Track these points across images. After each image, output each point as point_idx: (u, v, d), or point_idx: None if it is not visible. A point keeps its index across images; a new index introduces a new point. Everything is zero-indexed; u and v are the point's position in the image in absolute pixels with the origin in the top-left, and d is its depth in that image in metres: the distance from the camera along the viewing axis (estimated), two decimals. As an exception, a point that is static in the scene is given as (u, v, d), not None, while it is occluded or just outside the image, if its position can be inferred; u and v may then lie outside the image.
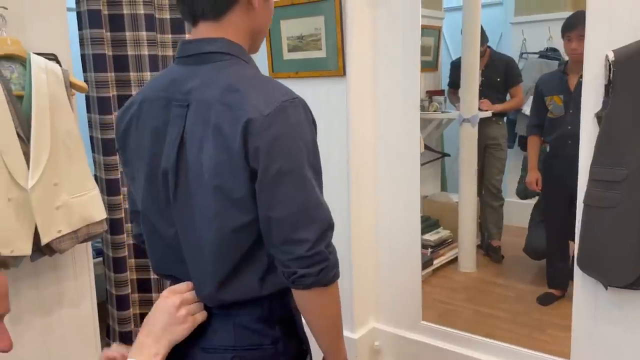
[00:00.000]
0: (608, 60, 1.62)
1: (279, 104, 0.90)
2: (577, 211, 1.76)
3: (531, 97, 3.76)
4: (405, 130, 2.19)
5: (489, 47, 3.63)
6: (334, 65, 2.16)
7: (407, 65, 2.15)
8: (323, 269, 0.92)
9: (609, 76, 1.62)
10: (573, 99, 2.71)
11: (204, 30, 0.99)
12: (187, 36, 2.32)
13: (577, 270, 1.79)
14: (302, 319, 1.06)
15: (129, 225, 2.25)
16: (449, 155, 3.97)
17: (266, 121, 0.88)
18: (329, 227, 0.94)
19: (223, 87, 0.92)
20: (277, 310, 1.02)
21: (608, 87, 1.64)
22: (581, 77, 2.62)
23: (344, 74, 2.15)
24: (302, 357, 1.07)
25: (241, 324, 0.99)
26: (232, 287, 0.97)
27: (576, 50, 2.64)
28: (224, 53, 0.97)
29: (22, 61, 1.73)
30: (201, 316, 1.00)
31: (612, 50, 1.60)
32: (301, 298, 0.96)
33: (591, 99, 1.71)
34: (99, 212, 1.88)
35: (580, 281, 1.81)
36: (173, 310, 0.96)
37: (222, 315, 1.00)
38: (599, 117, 1.68)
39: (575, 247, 1.78)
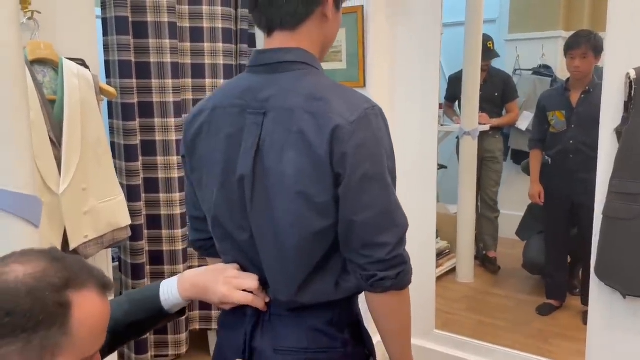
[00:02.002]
0: (629, 78, 1.69)
1: (362, 111, 0.94)
2: (594, 223, 1.83)
3: (524, 113, 3.90)
4: (423, 142, 2.24)
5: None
6: (354, 77, 2.21)
7: (425, 77, 2.20)
8: (400, 273, 0.95)
9: (630, 93, 1.70)
10: (575, 115, 2.81)
11: (280, 40, 1.00)
12: (205, 45, 2.34)
13: (594, 279, 1.85)
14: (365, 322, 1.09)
15: (147, 232, 2.24)
16: (446, 168, 4.05)
17: (351, 128, 0.91)
18: (406, 231, 0.97)
19: (306, 95, 0.94)
20: (346, 314, 1.05)
21: (628, 104, 1.71)
22: (583, 93, 2.79)
23: (364, 85, 2.19)
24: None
25: (314, 327, 1.01)
26: (310, 291, 0.99)
27: (579, 68, 2.74)
28: (301, 62, 0.99)
29: (53, 65, 1.73)
30: None
31: (634, 69, 1.68)
32: (376, 301, 0.99)
33: (610, 115, 1.78)
34: (125, 218, 1.87)
35: (597, 290, 1.87)
36: None
37: (294, 317, 1.02)
38: (618, 132, 1.75)
39: (592, 256, 1.84)
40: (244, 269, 1.05)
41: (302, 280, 0.98)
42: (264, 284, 1.03)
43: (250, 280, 1.02)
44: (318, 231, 0.95)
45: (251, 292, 1.01)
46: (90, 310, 0.78)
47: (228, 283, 1.02)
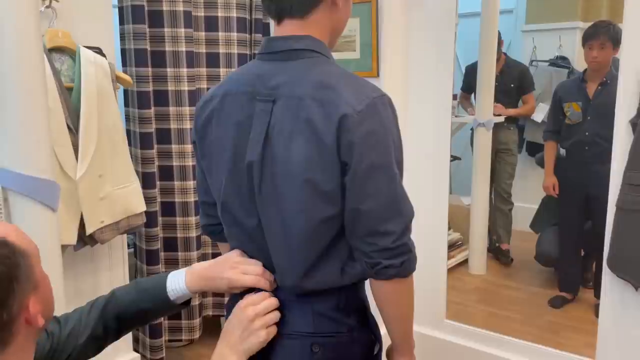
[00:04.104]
0: (645, 69, 1.68)
1: (370, 100, 0.94)
2: (607, 214, 1.82)
3: (540, 104, 3.86)
4: (436, 133, 2.24)
5: (504, 53, 3.70)
6: (367, 67, 2.21)
7: (439, 67, 2.20)
8: (405, 261, 0.96)
9: (646, 84, 1.68)
10: (591, 106, 2.78)
11: (290, 28, 1.01)
12: (220, 35, 2.36)
13: (606, 271, 1.85)
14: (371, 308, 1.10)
15: (162, 219, 2.27)
16: (460, 159, 4.03)
17: (359, 117, 0.92)
18: (412, 220, 0.98)
19: (314, 84, 0.95)
20: (352, 299, 1.06)
21: (644, 95, 1.70)
22: (600, 84, 2.76)
23: (378, 75, 2.19)
24: (373, 345, 1.10)
25: (320, 312, 1.03)
26: (316, 277, 1.00)
27: (597, 58, 2.71)
28: (311, 50, 1.00)
29: (71, 54, 1.76)
30: (274, 329, 1.03)
31: (650, 59, 1.66)
32: (380, 288, 1.00)
33: (625, 106, 1.77)
34: (140, 205, 1.91)
35: (609, 282, 1.86)
36: (248, 322, 1.01)
37: (301, 303, 1.03)
38: (633, 123, 1.74)
39: (604, 248, 1.83)
40: (250, 254, 1.07)
41: (308, 266, 0.99)
42: (270, 270, 1.04)
43: (255, 266, 1.04)
44: (325, 218, 0.96)
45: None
46: (11, 230, 0.82)
47: (234, 268, 1.04)
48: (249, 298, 1.03)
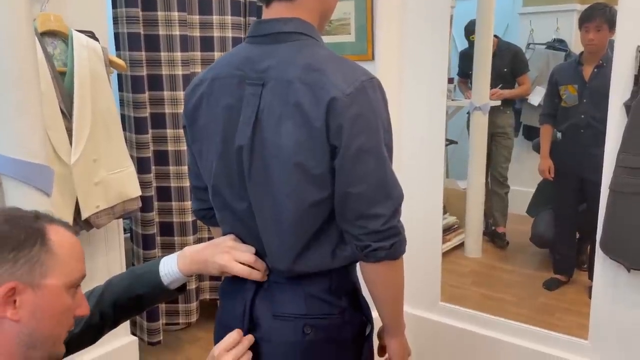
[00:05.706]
0: (639, 52, 1.67)
1: (359, 83, 0.94)
2: (601, 197, 1.83)
3: (537, 87, 3.86)
4: (431, 116, 2.23)
5: (497, 37, 3.68)
6: (362, 50, 2.20)
7: (435, 50, 2.19)
8: (395, 243, 0.97)
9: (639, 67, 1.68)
10: (587, 89, 2.78)
11: (278, 11, 1.00)
12: (214, 18, 2.34)
13: (598, 253, 1.86)
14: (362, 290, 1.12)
15: (157, 203, 2.28)
16: (456, 143, 4.03)
17: (348, 100, 0.91)
18: (401, 203, 0.98)
19: (303, 67, 0.94)
20: (343, 282, 1.07)
21: (638, 77, 1.70)
22: (596, 67, 2.75)
23: (373, 58, 2.18)
24: (364, 326, 1.11)
25: (312, 294, 1.04)
26: (307, 260, 1.01)
27: (593, 41, 2.71)
28: (300, 33, 0.99)
29: (63, 38, 1.75)
30: None
31: (645, 42, 1.66)
32: (371, 271, 1.01)
33: (619, 89, 1.77)
34: (135, 189, 1.91)
35: (601, 264, 1.88)
36: None
37: (293, 285, 1.04)
38: (627, 106, 1.74)
39: (598, 230, 1.85)
40: (241, 238, 1.08)
41: (299, 249, 1.00)
42: (262, 252, 1.05)
43: (247, 253, 1.05)
44: (314, 202, 0.97)
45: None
46: (63, 234, 0.86)
47: (226, 252, 1.05)
48: (223, 344, 1.02)
